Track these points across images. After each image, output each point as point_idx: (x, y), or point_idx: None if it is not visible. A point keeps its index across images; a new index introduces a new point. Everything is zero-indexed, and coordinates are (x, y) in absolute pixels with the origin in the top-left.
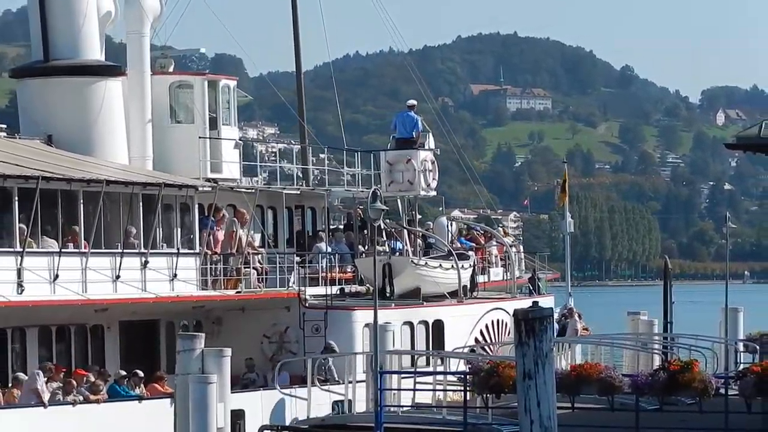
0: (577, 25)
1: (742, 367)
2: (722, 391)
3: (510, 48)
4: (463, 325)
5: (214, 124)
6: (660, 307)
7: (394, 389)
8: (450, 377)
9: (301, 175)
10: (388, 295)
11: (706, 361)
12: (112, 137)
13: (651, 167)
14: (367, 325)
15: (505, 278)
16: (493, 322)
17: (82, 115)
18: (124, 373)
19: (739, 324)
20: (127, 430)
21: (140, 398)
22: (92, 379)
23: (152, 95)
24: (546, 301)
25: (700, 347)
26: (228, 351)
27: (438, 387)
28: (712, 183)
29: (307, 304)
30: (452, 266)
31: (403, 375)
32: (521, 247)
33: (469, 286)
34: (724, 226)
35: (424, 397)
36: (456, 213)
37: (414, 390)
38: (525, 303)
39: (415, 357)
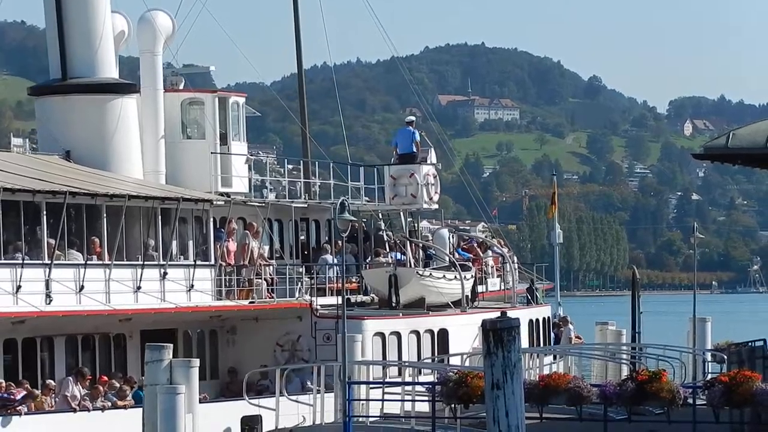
0: (545, 35)
1: (709, 376)
2: (690, 400)
3: (478, 58)
4: (467, 334)
5: (224, 139)
6: (628, 317)
7: (363, 399)
8: (419, 387)
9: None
10: (393, 305)
11: (674, 371)
12: (128, 152)
13: (619, 177)
14: (377, 333)
15: (502, 288)
16: None
17: (99, 131)
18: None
19: (707, 334)
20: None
21: None
22: (117, 385)
23: (164, 112)
24: (544, 311)
25: (668, 357)
26: (196, 362)
27: (407, 397)
28: (679, 193)
29: (318, 314)
30: (455, 277)
31: (372, 386)
32: (515, 258)
33: (470, 296)
34: (692, 236)
35: (395, 408)
36: (424, 224)
37: (382, 400)
38: (525, 312)
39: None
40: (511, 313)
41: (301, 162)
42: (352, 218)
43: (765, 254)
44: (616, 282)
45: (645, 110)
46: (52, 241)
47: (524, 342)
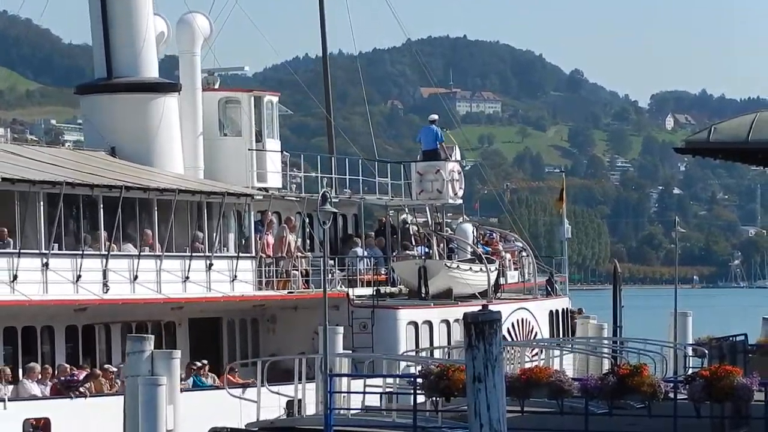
0: (527, 28)
1: (691, 371)
2: (671, 395)
3: (460, 51)
4: None
5: (259, 136)
6: (609, 311)
7: (344, 392)
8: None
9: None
10: (423, 295)
11: (656, 365)
12: (170, 149)
13: (600, 171)
14: (410, 322)
15: (520, 280)
16: (518, 320)
17: (142, 129)
18: (200, 364)
19: (688, 328)
20: (209, 416)
21: (218, 387)
22: None
23: (202, 110)
24: (562, 302)
25: (650, 351)
26: (177, 353)
27: (389, 390)
28: (661, 187)
29: (354, 304)
30: (481, 269)
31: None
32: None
33: (494, 288)
34: (673, 230)
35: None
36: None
37: (364, 393)
38: (546, 303)
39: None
40: (534, 304)
41: (332, 158)
42: (334, 210)
43: (746, 249)
44: (598, 276)
45: (627, 104)
46: (108, 233)
47: (545, 332)
